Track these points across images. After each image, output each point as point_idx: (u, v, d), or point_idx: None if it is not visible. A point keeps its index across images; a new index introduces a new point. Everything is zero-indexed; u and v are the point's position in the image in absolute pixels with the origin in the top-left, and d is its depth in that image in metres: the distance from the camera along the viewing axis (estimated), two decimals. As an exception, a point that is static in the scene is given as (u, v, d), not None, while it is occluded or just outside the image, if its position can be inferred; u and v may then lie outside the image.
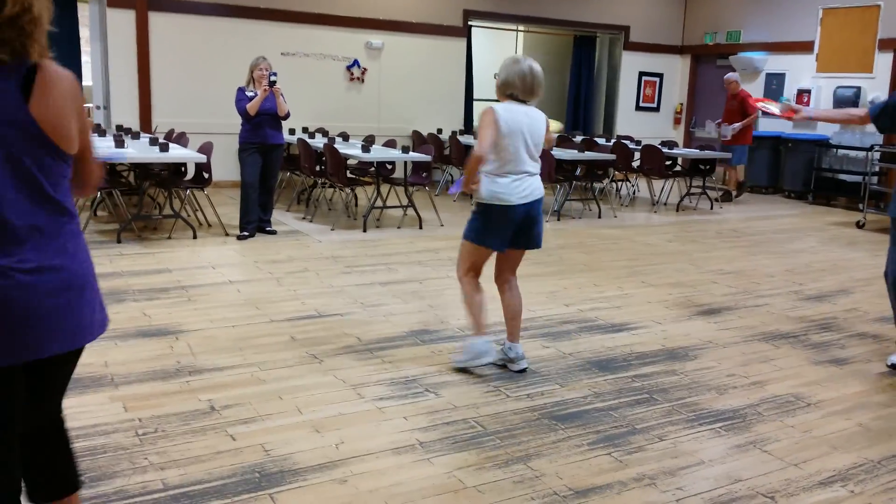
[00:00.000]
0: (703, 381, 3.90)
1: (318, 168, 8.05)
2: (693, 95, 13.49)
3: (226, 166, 9.47)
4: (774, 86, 11.83)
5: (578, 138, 10.45)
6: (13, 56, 1.66)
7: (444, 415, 3.36)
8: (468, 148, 9.46)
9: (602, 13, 12.58)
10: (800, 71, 11.47)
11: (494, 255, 3.89)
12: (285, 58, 10.05)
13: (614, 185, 10.70)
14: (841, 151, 10.64)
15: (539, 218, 3.80)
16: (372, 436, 3.13)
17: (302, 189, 9.02)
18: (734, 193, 10.86)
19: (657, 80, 13.41)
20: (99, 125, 9.10)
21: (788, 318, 5.10)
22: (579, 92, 13.23)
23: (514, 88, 3.68)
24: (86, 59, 9.48)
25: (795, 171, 11.20)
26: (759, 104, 5.16)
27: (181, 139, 8.15)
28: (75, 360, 1.91)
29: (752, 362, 4.22)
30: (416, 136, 10.61)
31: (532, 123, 3.68)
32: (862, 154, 10.12)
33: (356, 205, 8.60)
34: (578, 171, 9.17)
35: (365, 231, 7.49)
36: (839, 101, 10.72)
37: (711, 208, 10.06)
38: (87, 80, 9.95)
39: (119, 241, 6.56)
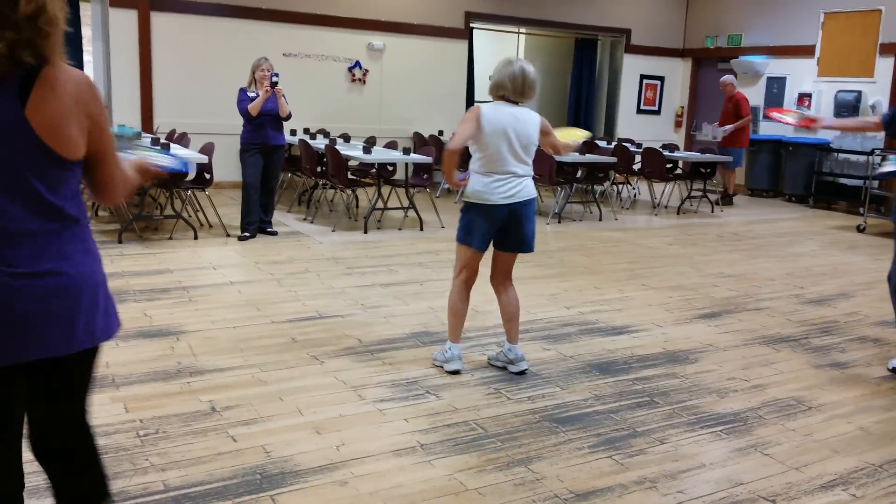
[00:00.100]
0: (703, 385, 3.90)
1: (319, 169, 8.06)
2: (694, 99, 13.50)
3: (227, 167, 9.47)
4: (775, 90, 11.84)
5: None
6: (35, 59, 1.63)
7: (444, 417, 3.36)
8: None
9: (603, 16, 12.58)
10: (801, 75, 11.47)
11: (491, 257, 3.90)
12: (287, 59, 10.06)
13: (615, 187, 10.71)
14: (841, 155, 10.64)
15: (527, 220, 3.79)
16: (373, 437, 3.13)
17: (303, 190, 9.02)
18: (722, 194, 10.84)
19: (658, 83, 13.42)
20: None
21: (789, 322, 5.10)
22: (580, 94, 13.24)
23: (506, 90, 3.70)
24: (88, 58, 9.47)
25: (796, 174, 11.20)
26: (775, 114, 5.13)
27: (183, 139, 8.16)
28: (79, 367, 1.86)
29: (752, 366, 4.22)
30: (418, 137, 10.62)
31: (519, 124, 3.68)
32: (863, 158, 10.13)
33: (357, 206, 8.60)
34: (579, 173, 9.17)
35: (366, 232, 7.49)
36: (840, 106, 10.73)
37: (712, 211, 10.06)
38: (88, 80, 9.93)
39: (120, 242, 6.56)
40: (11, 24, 1.60)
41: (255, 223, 7.02)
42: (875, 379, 4.11)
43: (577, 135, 4.15)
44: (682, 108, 13.61)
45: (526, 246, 3.84)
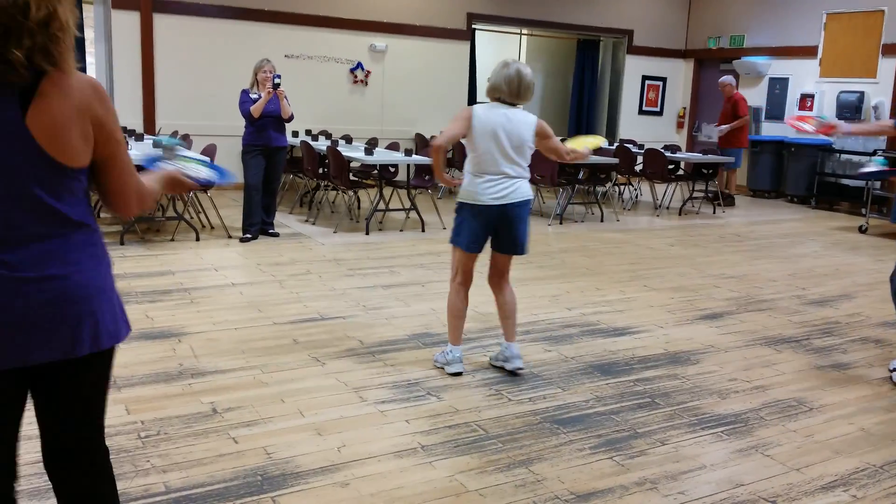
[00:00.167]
0: (705, 386, 3.90)
1: (321, 170, 8.07)
2: (696, 100, 13.49)
3: (229, 168, 9.42)
4: (778, 90, 11.83)
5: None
6: (50, 65, 1.62)
7: (445, 418, 3.37)
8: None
9: (606, 17, 12.58)
10: (803, 76, 11.47)
11: (489, 258, 3.90)
12: (289, 60, 10.07)
13: (617, 188, 10.71)
14: (844, 156, 10.63)
15: (519, 222, 3.78)
16: (374, 439, 3.13)
17: (305, 191, 9.04)
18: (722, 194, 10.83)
19: (660, 84, 13.41)
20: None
21: (791, 323, 5.10)
22: (582, 95, 13.24)
23: (502, 92, 3.71)
24: (90, 60, 9.49)
25: (798, 175, 11.19)
26: (794, 122, 5.09)
27: (185, 141, 8.16)
28: (87, 373, 1.83)
29: (754, 366, 4.22)
30: (420, 138, 10.62)
31: (510, 125, 3.68)
32: (865, 159, 10.11)
33: (359, 207, 8.61)
34: (581, 174, 9.18)
35: (367, 234, 7.50)
36: (842, 107, 10.72)
37: (714, 212, 10.05)
38: (91, 82, 9.95)
39: (122, 243, 6.57)
40: (26, 31, 1.59)
41: (257, 225, 7.03)
42: (876, 380, 4.10)
43: (590, 142, 4.07)
44: (684, 109, 13.60)
45: (517, 248, 3.83)
